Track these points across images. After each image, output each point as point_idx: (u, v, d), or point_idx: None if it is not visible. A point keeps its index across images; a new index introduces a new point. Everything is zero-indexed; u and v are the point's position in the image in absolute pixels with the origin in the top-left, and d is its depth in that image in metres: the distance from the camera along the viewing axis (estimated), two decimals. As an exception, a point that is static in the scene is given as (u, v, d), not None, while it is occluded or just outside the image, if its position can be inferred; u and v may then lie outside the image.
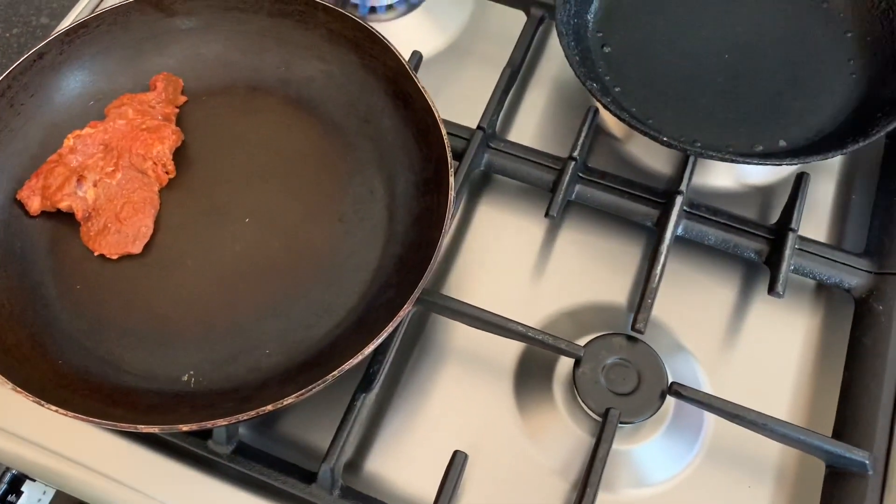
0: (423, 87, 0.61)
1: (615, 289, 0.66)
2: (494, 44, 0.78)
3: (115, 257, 0.60)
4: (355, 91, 0.66)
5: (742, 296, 0.65)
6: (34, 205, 0.61)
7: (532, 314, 0.63)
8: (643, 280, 0.64)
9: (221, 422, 0.48)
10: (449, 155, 0.58)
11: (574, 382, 0.58)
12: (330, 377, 0.50)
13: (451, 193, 0.56)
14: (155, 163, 0.62)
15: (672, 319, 0.64)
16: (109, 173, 0.61)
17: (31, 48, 0.64)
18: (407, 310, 0.52)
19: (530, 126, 0.74)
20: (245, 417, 0.48)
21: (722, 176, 0.71)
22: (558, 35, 0.66)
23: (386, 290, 0.58)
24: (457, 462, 0.54)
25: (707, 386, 0.61)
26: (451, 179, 0.57)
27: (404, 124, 0.63)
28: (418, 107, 0.62)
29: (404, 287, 0.56)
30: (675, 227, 0.63)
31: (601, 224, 0.68)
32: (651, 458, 0.59)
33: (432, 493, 0.55)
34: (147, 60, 0.67)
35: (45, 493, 0.67)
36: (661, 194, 0.66)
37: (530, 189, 0.69)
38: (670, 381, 0.58)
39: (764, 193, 0.70)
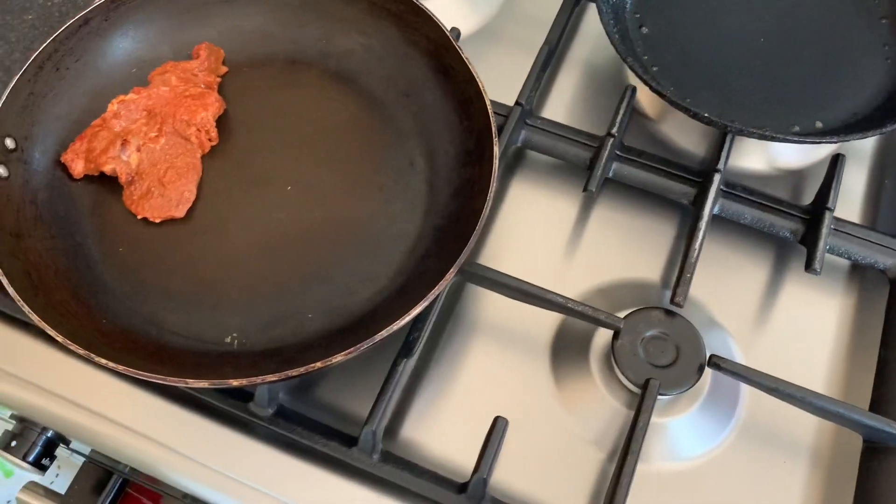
0: (466, 58, 0.61)
1: (648, 265, 0.66)
2: (527, 26, 0.79)
3: (157, 221, 0.60)
4: (395, 64, 0.66)
5: (776, 274, 0.66)
6: (78, 167, 0.61)
7: (566, 288, 0.64)
8: (679, 256, 0.65)
9: (272, 377, 0.49)
10: (493, 125, 0.58)
11: (613, 354, 0.58)
12: (378, 337, 0.50)
13: (496, 163, 0.57)
14: (199, 129, 0.63)
15: (707, 296, 0.65)
16: (153, 138, 0.62)
17: (74, 16, 0.65)
18: (450, 277, 0.52)
19: (562, 105, 0.74)
20: (295, 373, 0.49)
21: (754, 158, 0.71)
22: (599, 14, 0.67)
23: (426, 260, 0.59)
24: (498, 427, 0.55)
25: (742, 361, 0.62)
26: (496, 149, 0.57)
27: (445, 96, 0.64)
28: (461, 78, 0.62)
29: (445, 256, 0.56)
30: (713, 204, 0.64)
31: (633, 202, 0.69)
32: (686, 431, 0.59)
33: (469, 460, 0.55)
34: (189, 30, 0.67)
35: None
36: (698, 173, 0.66)
37: (563, 166, 0.69)
38: (708, 354, 0.58)
39: (795, 176, 0.71)
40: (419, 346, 0.59)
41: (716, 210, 0.65)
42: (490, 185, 0.56)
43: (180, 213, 0.60)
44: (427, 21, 0.64)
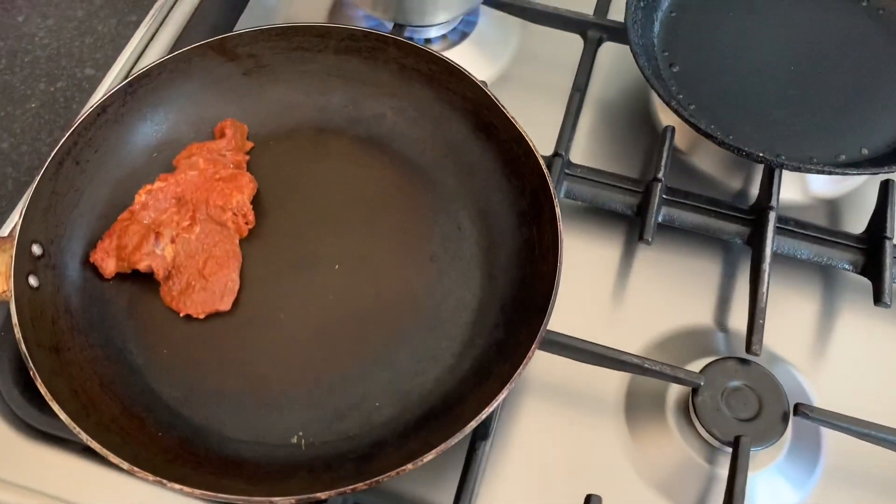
0: (512, 117, 0.59)
1: (699, 310, 0.64)
2: (544, 70, 0.77)
3: (202, 317, 0.57)
4: (430, 126, 0.64)
5: (833, 308, 0.64)
6: (109, 267, 0.57)
7: (621, 344, 0.61)
8: (730, 295, 0.64)
9: (361, 485, 0.45)
10: (551, 184, 0.56)
11: (695, 412, 0.56)
12: (469, 427, 0.47)
13: (560, 224, 0.55)
14: (235, 213, 0.59)
15: (769, 337, 0.63)
16: (186, 227, 0.58)
17: (78, 101, 0.62)
18: (534, 351, 0.50)
19: (589, 150, 0.72)
20: (385, 478, 0.45)
21: (791, 189, 0.70)
22: (634, 56, 0.65)
23: (494, 331, 0.56)
24: None
25: (818, 403, 0.60)
26: (558, 210, 0.55)
27: (489, 156, 0.61)
28: (505, 136, 0.60)
29: (515, 326, 0.54)
30: (773, 243, 0.62)
31: (675, 244, 0.67)
32: (775, 485, 0.57)
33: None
34: (209, 108, 0.64)
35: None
36: (750, 210, 0.65)
37: (596, 213, 0.67)
38: (790, 402, 0.56)
39: (830, 205, 0.70)
40: (494, 425, 0.56)
41: (777, 248, 0.63)
42: (558, 247, 0.54)
43: (226, 305, 0.57)
44: (462, 80, 0.61)
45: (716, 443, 0.56)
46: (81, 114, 0.58)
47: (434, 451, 0.46)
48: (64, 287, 0.56)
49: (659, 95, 0.63)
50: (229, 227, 0.59)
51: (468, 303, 0.58)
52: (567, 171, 0.67)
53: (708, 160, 0.71)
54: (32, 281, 0.54)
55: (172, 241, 0.58)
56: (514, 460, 0.57)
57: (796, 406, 0.55)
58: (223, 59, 0.63)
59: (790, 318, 0.64)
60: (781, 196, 0.69)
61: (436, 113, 0.64)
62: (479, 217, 0.61)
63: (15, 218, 0.61)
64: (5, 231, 0.61)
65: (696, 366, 0.59)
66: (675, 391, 0.59)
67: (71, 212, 0.58)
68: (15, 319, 0.50)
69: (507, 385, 0.48)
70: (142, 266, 0.57)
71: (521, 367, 0.49)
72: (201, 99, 0.64)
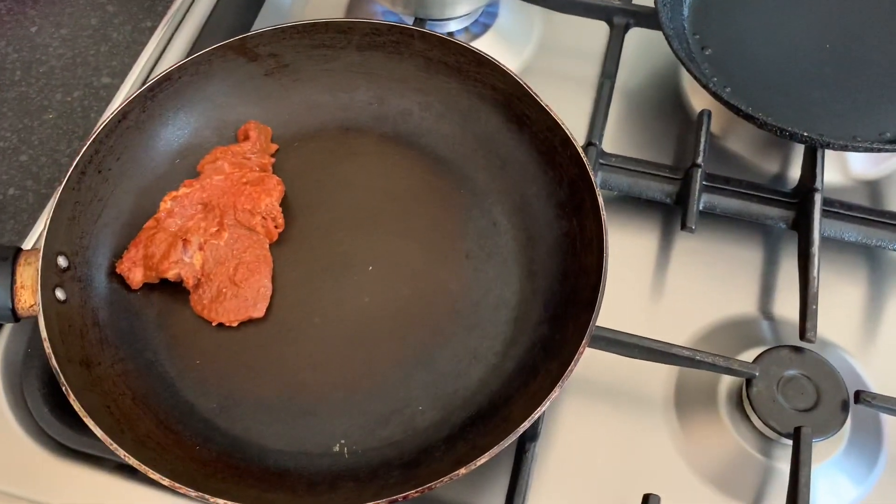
0: (546, 105, 0.57)
1: (742, 298, 0.62)
2: (570, 59, 0.75)
3: (235, 324, 0.55)
4: (459, 120, 0.62)
5: (885, 290, 0.62)
6: (136, 277, 0.55)
7: (667, 337, 0.59)
8: (774, 283, 0.61)
9: (413, 493, 0.43)
10: (591, 172, 0.54)
11: (750, 404, 0.54)
12: (521, 429, 0.45)
13: (603, 214, 0.52)
14: (264, 217, 0.57)
15: (819, 323, 0.60)
16: (215, 234, 0.56)
17: (96, 111, 0.60)
18: (584, 347, 0.48)
19: (621, 138, 0.70)
20: (437, 485, 0.43)
21: (831, 171, 0.67)
22: (667, 39, 0.63)
23: (537, 328, 0.54)
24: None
25: (875, 389, 0.58)
26: (600, 199, 0.53)
27: (523, 148, 0.59)
28: (540, 127, 0.58)
29: (560, 322, 0.52)
30: (821, 226, 0.60)
31: (713, 232, 0.64)
32: (837, 477, 0.54)
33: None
34: (232, 110, 0.62)
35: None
36: (794, 193, 0.62)
37: (633, 203, 0.65)
38: (849, 389, 0.54)
39: (872, 186, 0.67)
40: (542, 425, 0.53)
41: (826, 232, 0.61)
42: (603, 237, 0.52)
43: (259, 312, 0.55)
44: (493, 70, 0.59)
45: (773, 435, 0.54)
46: (101, 121, 0.56)
47: (486, 454, 0.44)
48: (91, 299, 0.54)
49: (696, 78, 0.61)
50: (258, 231, 0.57)
51: (508, 300, 0.56)
52: (602, 160, 0.65)
53: (743, 144, 0.69)
54: (59, 294, 0.52)
55: (201, 248, 0.56)
56: (564, 461, 0.55)
57: (857, 393, 0.53)
58: (244, 60, 0.61)
59: (838, 303, 0.62)
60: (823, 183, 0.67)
61: (464, 106, 0.62)
62: (515, 211, 0.59)
63: (38, 231, 0.60)
64: (29, 244, 0.59)
65: (746, 356, 0.56)
66: (726, 384, 0.57)
67: (95, 222, 0.56)
68: (44, 334, 0.48)
69: (559, 383, 0.46)
70: (170, 275, 0.55)
71: (572, 363, 0.47)
72: (223, 102, 0.62)
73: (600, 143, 0.65)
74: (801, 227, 0.61)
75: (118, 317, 0.55)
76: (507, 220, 0.59)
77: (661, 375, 0.58)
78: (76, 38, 0.70)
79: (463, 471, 0.44)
